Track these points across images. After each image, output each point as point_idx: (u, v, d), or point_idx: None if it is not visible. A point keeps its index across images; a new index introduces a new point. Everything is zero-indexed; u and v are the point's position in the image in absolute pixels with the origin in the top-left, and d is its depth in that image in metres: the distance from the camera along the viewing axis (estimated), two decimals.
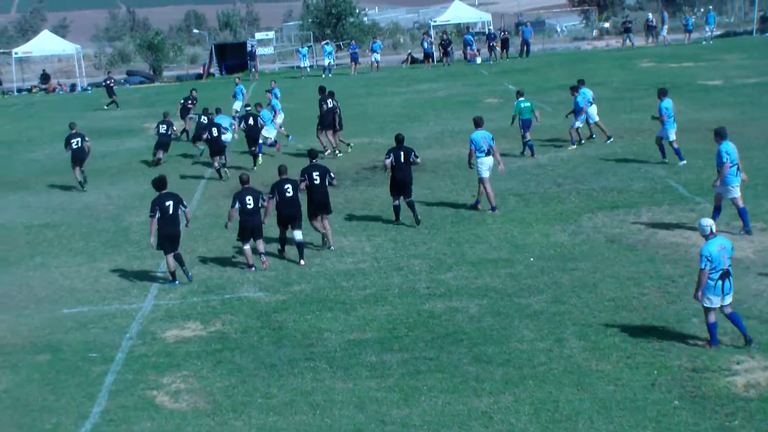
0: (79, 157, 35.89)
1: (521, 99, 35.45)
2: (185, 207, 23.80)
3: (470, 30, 78.69)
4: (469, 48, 74.15)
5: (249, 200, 24.10)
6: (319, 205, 25.44)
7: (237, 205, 24.11)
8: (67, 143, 35.83)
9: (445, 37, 76.29)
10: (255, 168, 36.22)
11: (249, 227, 24.15)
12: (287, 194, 24.56)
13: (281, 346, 19.10)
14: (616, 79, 54.19)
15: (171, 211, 23.41)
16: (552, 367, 17.12)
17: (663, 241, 23.89)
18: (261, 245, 24.49)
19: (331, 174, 25.70)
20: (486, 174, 27.96)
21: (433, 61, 74.73)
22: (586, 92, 36.69)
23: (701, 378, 16.26)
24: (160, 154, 39.98)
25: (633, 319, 19.05)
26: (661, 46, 73.67)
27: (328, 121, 38.25)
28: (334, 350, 18.69)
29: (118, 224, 30.08)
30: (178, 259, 23.73)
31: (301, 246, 24.77)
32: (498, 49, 73.58)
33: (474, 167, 28.19)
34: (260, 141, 38.09)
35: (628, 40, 74.44)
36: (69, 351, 19.71)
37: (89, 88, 76.15)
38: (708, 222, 17.45)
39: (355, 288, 22.27)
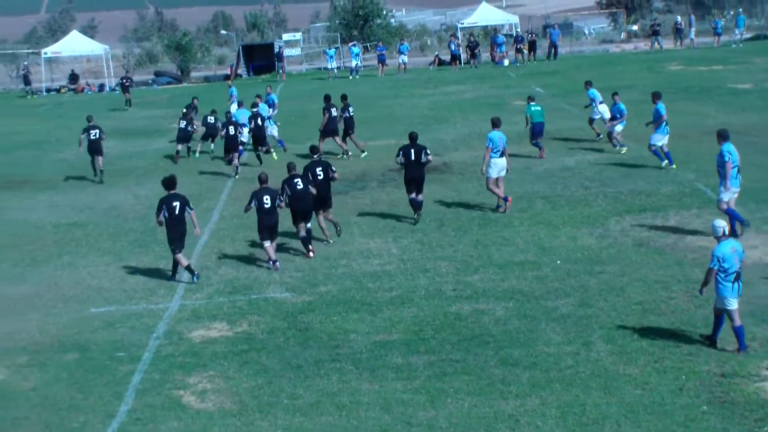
0: (94, 147, 37.77)
1: (532, 103, 36.04)
2: (191, 209, 24.16)
3: (498, 32, 78.55)
4: (498, 49, 74.03)
5: (266, 200, 24.46)
6: (321, 200, 26.31)
7: (254, 204, 24.49)
8: (85, 132, 37.82)
9: (472, 39, 76.28)
10: (276, 157, 36.71)
11: (267, 226, 24.51)
12: (297, 187, 25.11)
13: (307, 347, 19.12)
14: (644, 82, 53.96)
15: (177, 212, 23.79)
16: (579, 371, 17.08)
17: (691, 245, 23.79)
18: (274, 246, 24.84)
19: (332, 168, 26.78)
20: (494, 175, 28.27)
21: (460, 63, 74.68)
22: (595, 93, 38.15)
23: (730, 383, 16.18)
24: (180, 148, 41.50)
25: (661, 323, 18.99)
26: (689, 49, 73.37)
27: (331, 128, 38.51)
28: (360, 351, 18.70)
29: (145, 224, 30.14)
30: (176, 263, 24.11)
31: (307, 239, 25.66)
32: (525, 51, 73.46)
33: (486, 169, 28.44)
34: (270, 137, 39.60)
35: (656, 43, 74.16)
36: (96, 350, 19.80)
37: (117, 88, 76.39)
38: (721, 223, 17.71)
39: (382, 289, 22.27)
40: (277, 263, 24.46)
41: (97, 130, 37.86)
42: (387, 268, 23.92)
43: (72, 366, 19.05)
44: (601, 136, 37.71)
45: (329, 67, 73.85)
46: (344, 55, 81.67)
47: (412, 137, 28.05)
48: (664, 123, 31.79)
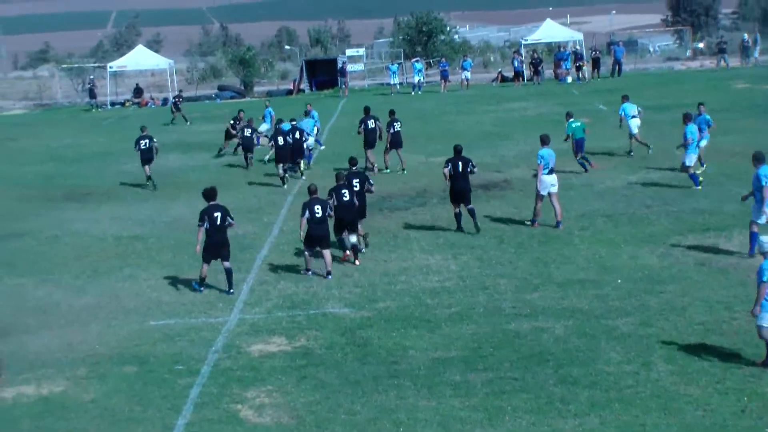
0: (146, 157, 39.34)
1: (571, 120, 36.69)
2: (232, 219, 24.69)
3: (563, 49, 78.26)
4: (564, 65, 73.70)
5: (317, 209, 24.94)
6: (358, 210, 26.92)
7: (307, 215, 24.92)
8: (136, 144, 39.38)
9: (535, 55, 76.08)
10: (303, 177, 38.19)
11: (317, 235, 25.02)
12: (344, 198, 25.89)
13: (365, 363, 19.10)
14: (710, 100, 53.40)
15: (219, 222, 24.31)
16: (639, 391, 16.92)
17: (754, 265, 23.26)
18: (328, 255, 25.19)
19: (370, 181, 27.67)
20: (544, 191, 28.36)
21: (523, 79, 74.60)
22: (628, 107, 38.97)
23: None
24: (250, 158, 42.69)
25: (723, 343, 18.77)
26: (755, 67, 72.65)
27: (370, 140, 39.20)
28: (419, 368, 18.65)
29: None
30: (229, 273, 24.55)
31: (355, 247, 26.25)
32: (585, 69, 73.14)
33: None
34: (308, 151, 40.71)
35: (722, 61, 73.57)
36: (155, 363, 19.91)
37: (171, 107, 76.85)
38: None
39: (441, 306, 22.22)
40: (310, 272, 25.22)
41: (147, 140, 39.32)
42: (446, 284, 23.87)
43: (131, 378, 19.17)
44: (632, 153, 38.82)
45: (392, 82, 74.09)
46: (407, 71, 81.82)
47: (457, 149, 28.67)
48: (694, 144, 32.01)
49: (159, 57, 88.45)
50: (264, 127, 46.85)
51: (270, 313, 22.59)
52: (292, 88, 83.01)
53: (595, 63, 74.69)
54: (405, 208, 32.45)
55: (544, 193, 28.37)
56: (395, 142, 38.87)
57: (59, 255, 29.37)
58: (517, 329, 20.36)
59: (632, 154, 38.86)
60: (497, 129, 49.40)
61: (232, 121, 46.60)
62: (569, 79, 72.68)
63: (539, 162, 28.33)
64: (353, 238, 26.29)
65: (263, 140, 43.69)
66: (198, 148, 49.72)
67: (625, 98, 39.72)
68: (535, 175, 28.70)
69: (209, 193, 24.83)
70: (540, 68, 74.05)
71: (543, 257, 25.62)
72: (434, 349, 19.64)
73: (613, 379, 17.47)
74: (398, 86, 74.44)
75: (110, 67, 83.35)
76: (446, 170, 28.33)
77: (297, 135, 38.73)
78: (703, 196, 30.85)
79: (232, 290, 24.34)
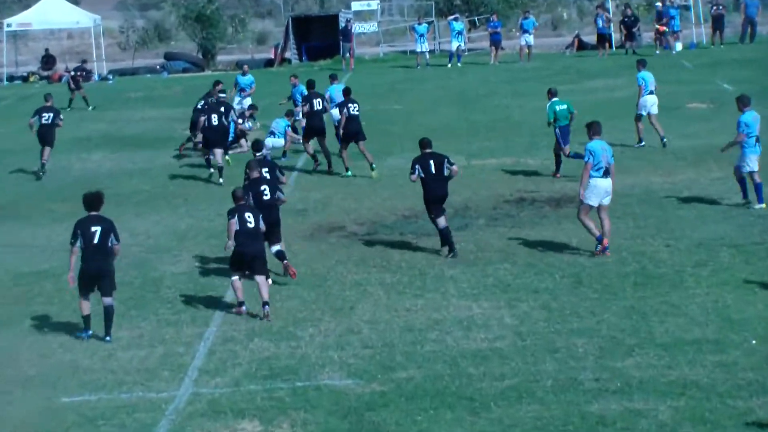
0: (47, 137, 42.39)
1: (555, 100, 38.35)
2: (117, 240, 24.97)
3: (669, 3, 78.34)
4: (670, 26, 73.49)
5: (249, 217, 25.79)
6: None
7: (235, 219, 25.68)
8: (37, 114, 42.37)
9: (628, 12, 76.06)
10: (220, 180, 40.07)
11: (247, 252, 25.75)
12: (264, 197, 27.58)
13: None
14: None
15: (96, 240, 24.60)
16: None
17: None
18: (265, 289, 25.78)
19: (281, 170, 30.21)
20: (595, 202, 28.59)
21: (611, 46, 74.64)
22: (647, 76, 41.32)
23: None
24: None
25: None
26: None
27: (318, 127, 40.77)
28: None
29: (145, 274, 30.20)
30: (108, 314, 24.94)
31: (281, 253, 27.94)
32: (669, 37, 73.29)
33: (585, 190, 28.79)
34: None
35: None
36: None
37: (111, 76, 77.11)
38: None
39: (489, 377, 22.08)
40: (244, 308, 25.88)
41: (51, 114, 42.26)
42: (497, 345, 23.74)
43: None
44: (643, 143, 41.27)
45: (419, 50, 74.19)
46: (441, 34, 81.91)
47: (426, 143, 29.63)
48: (755, 140, 32.10)
49: (79, 11, 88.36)
50: (247, 101, 47.41)
51: (238, 386, 22.45)
52: (273, 57, 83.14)
53: (717, 22, 74.63)
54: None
55: (594, 203, 28.47)
56: (350, 131, 39.38)
57: None
58: (603, 412, 20.21)
59: (643, 144, 41.84)
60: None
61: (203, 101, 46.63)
62: (678, 46, 72.52)
63: (587, 159, 28.48)
64: (275, 248, 27.68)
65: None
66: (135, 144, 49.71)
67: (641, 64, 41.82)
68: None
69: (89, 200, 25.17)
70: (635, 30, 73.98)
71: (640, 306, 25.49)
72: None
73: None
74: (428, 55, 74.57)
75: (8, 26, 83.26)
76: (414, 176, 29.48)
77: (214, 120, 40.15)
78: None
79: (109, 338, 24.84)
